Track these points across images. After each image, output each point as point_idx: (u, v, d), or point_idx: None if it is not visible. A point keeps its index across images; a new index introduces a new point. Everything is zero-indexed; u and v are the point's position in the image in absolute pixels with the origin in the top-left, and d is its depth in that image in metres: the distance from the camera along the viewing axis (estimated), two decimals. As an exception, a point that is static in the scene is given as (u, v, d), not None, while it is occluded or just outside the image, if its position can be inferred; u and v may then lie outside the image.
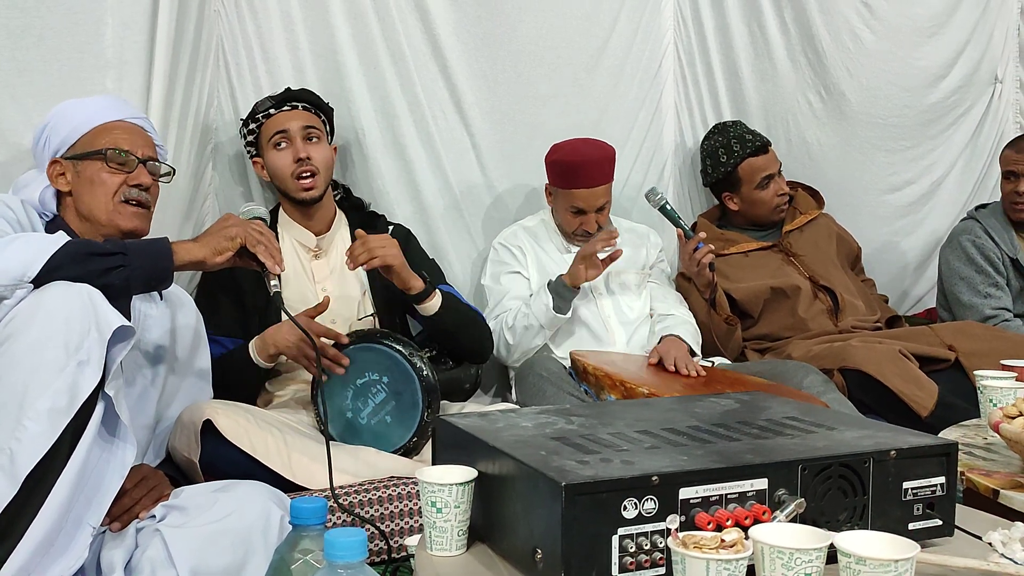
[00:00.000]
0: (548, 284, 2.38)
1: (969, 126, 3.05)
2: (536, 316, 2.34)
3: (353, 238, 2.24)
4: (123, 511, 1.45)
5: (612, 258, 2.34)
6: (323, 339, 1.87)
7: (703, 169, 2.88)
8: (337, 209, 2.30)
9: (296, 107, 2.20)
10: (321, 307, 1.89)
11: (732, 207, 2.82)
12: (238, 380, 1.95)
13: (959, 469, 1.25)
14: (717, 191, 2.86)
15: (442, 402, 1.98)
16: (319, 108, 2.26)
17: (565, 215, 2.50)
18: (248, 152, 2.28)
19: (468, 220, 2.66)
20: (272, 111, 2.18)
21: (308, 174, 2.14)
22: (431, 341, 2.14)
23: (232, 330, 2.04)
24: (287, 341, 1.88)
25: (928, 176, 3.03)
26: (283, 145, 2.16)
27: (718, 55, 2.94)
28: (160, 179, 1.79)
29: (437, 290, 2.04)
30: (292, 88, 2.26)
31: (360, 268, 2.18)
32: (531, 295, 2.46)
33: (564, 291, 2.35)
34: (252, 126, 2.22)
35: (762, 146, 2.77)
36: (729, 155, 2.77)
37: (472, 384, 2.21)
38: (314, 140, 2.18)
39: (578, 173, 2.41)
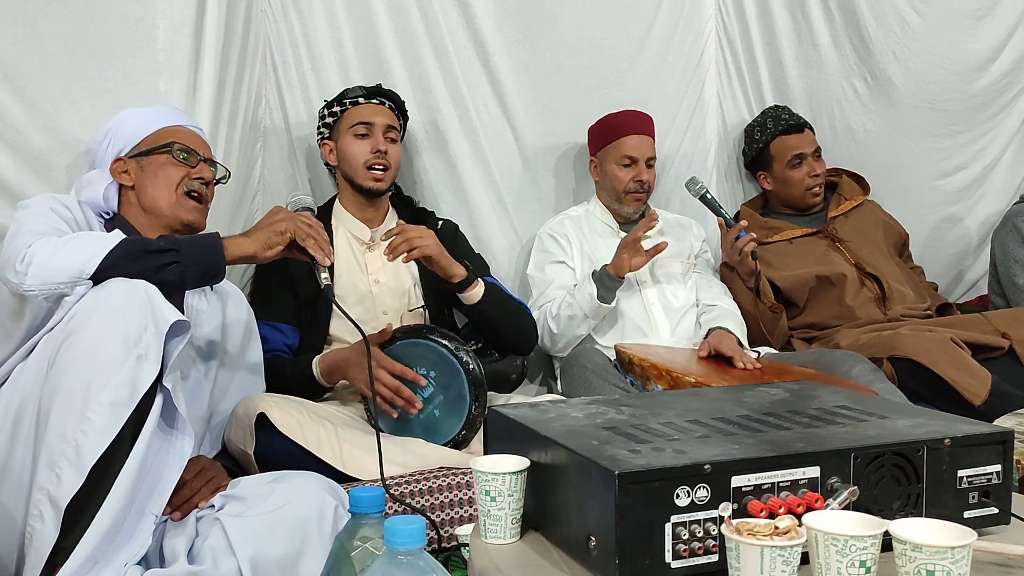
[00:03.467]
0: (593, 274, 2.38)
1: (1021, 109, 2.97)
2: (580, 306, 2.35)
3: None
4: (183, 501, 1.50)
5: (657, 249, 2.34)
6: (396, 379, 1.83)
7: (743, 150, 2.88)
8: (389, 205, 2.34)
9: (384, 104, 2.27)
10: (386, 333, 1.90)
11: (766, 187, 2.84)
12: (298, 390, 1.96)
13: (1015, 457, 1.24)
14: (753, 171, 2.88)
15: (489, 394, 2.00)
16: (401, 113, 2.34)
17: (616, 171, 2.53)
18: (320, 134, 2.31)
19: (512, 213, 2.68)
20: (361, 100, 2.24)
21: (382, 167, 2.21)
22: (476, 333, 2.16)
23: (287, 317, 2.08)
24: (349, 369, 1.89)
25: (980, 161, 2.97)
26: (365, 135, 2.21)
27: (761, 43, 2.92)
28: (217, 182, 1.86)
29: (479, 279, 2.05)
30: (382, 86, 2.32)
31: (412, 261, 2.22)
32: (575, 285, 2.47)
33: (608, 281, 2.35)
34: (336, 109, 2.26)
35: (796, 125, 2.77)
36: (763, 132, 2.80)
37: (518, 376, 2.22)
38: (392, 139, 2.25)
39: (623, 123, 2.55)
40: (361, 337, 1.65)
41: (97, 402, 1.32)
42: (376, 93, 2.27)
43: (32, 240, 1.46)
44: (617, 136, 2.53)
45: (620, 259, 2.34)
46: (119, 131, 1.81)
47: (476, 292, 2.04)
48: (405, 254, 1.93)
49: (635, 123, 2.56)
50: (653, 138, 2.59)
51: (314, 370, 1.96)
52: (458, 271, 2.01)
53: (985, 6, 2.88)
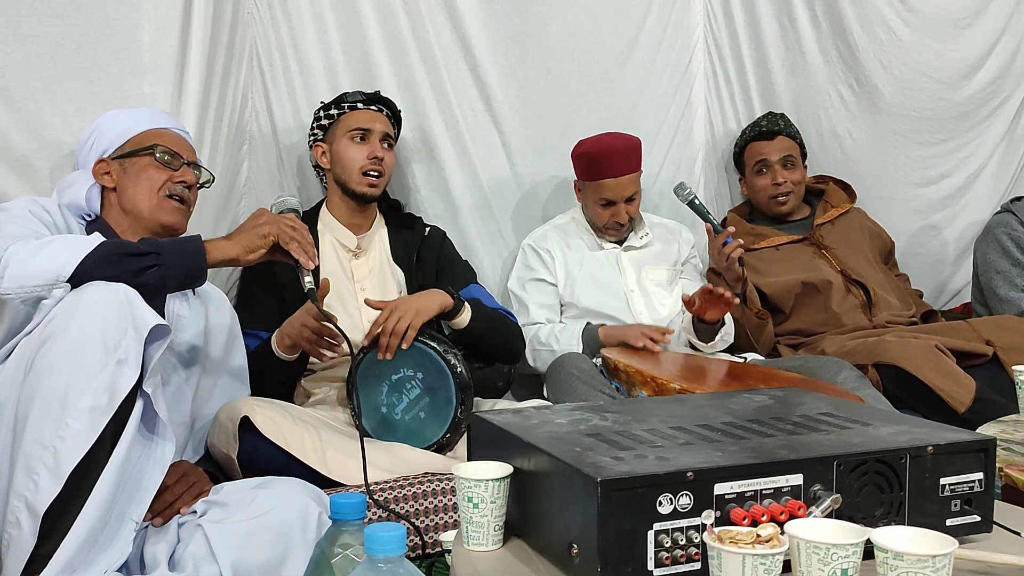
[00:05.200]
0: (584, 329, 2.37)
1: (1006, 118, 3.00)
2: (561, 351, 2.35)
3: (391, 239, 2.27)
4: (165, 506, 1.48)
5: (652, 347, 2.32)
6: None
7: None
8: (377, 211, 2.33)
9: (382, 111, 2.27)
10: (323, 290, 1.83)
11: (743, 192, 2.89)
12: (265, 373, 1.96)
13: (997, 465, 1.24)
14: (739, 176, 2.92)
15: (475, 399, 1.99)
16: (397, 121, 2.34)
17: (595, 208, 2.51)
18: (313, 136, 2.30)
19: (499, 218, 2.68)
20: (360, 106, 2.24)
21: (377, 173, 2.21)
22: (464, 348, 2.14)
23: (270, 325, 2.07)
24: (293, 326, 1.89)
25: (964, 169, 2.98)
26: (362, 140, 2.21)
27: (748, 49, 2.93)
28: (200, 186, 1.84)
29: (465, 304, 2.05)
30: (381, 93, 2.32)
31: (398, 269, 2.22)
32: (559, 303, 2.49)
33: (595, 345, 2.35)
34: (333, 112, 2.25)
35: (768, 132, 2.79)
36: (741, 138, 2.85)
37: (505, 382, 2.22)
38: (388, 147, 2.25)
39: (604, 163, 2.44)
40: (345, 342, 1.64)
41: (75, 407, 1.30)
42: (376, 100, 2.27)
43: (9, 243, 1.45)
44: (597, 177, 2.45)
45: (618, 336, 2.34)
46: (104, 132, 1.80)
47: (463, 319, 2.03)
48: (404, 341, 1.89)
49: (616, 164, 2.44)
50: (637, 169, 2.49)
51: (272, 345, 1.95)
52: (445, 301, 1.99)
53: (970, 15, 2.90)
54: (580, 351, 2.35)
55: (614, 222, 2.49)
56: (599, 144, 2.47)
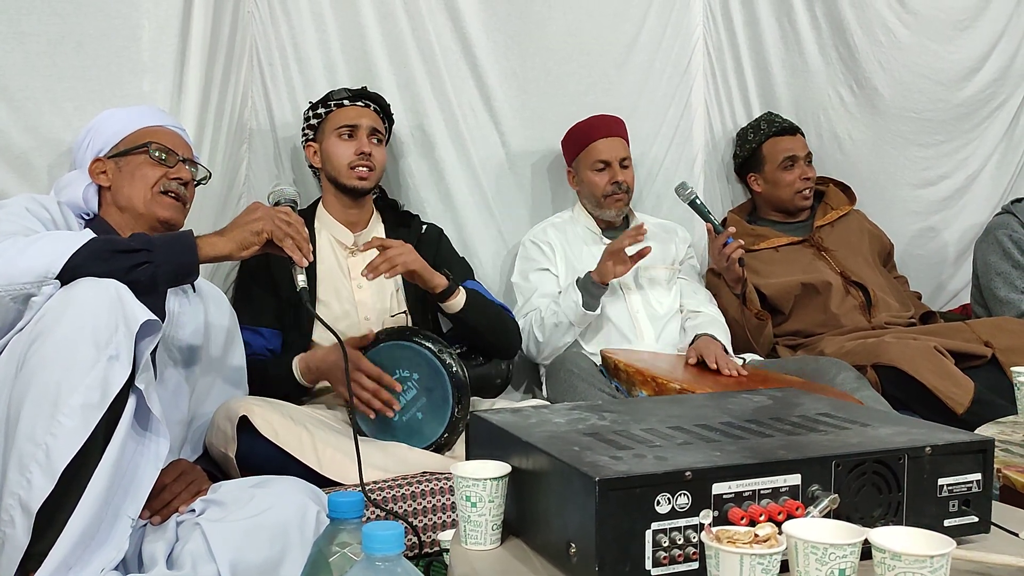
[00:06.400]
0: (577, 281, 2.38)
1: (1005, 119, 3.00)
2: (565, 313, 2.35)
3: (388, 236, 2.27)
4: (163, 505, 1.48)
5: (640, 255, 2.34)
6: (376, 381, 1.85)
7: (734, 153, 2.91)
8: (374, 208, 2.33)
9: (369, 106, 2.27)
10: (367, 338, 1.91)
11: (756, 189, 2.85)
12: (280, 392, 1.96)
13: (995, 466, 1.24)
14: (744, 174, 2.89)
15: (473, 398, 2.00)
16: (387, 116, 2.34)
17: (591, 177, 2.52)
18: (304, 135, 2.30)
19: (498, 218, 2.68)
20: (346, 103, 2.24)
21: (366, 167, 2.20)
22: (461, 337, 2.15)
23: (270, 321, 2.07)
24: (336, 378, 1.91)
25: (963, 171, 2.99)
26: (349, 136, 2.21)
27: (748, 50, 2.94)
28: (197, 183, 1.83)
29: (461, 287, 2.05)
30: (368, 88, 2.32)
31: None
32: (560, 292, 2.47)
33: (593, 288, 2.35)
34: (321, 111, 2.25)
35: (790, 128, 2.80)
36: (756, 134, 2.83)
37: (503, 380, 2.22)
38: (377, 142, 2.25)
39: (591, 128, 2.55)
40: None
41: (67, 404, 1.29)
42: (361, 95, 2.27)
43: (1, 240, 1.44)
44: (587, 142, 2.53)
45: (604, 266, 2.34)
46: (99, 131, 1.79)
47: (458, 301, 2.04)
48: (387, 272, 1.92)
49: (603, 127, 2.55)
50: (625, 139, 2.58)
51: (294, 370, 1.95)
52: (439, 282, 2.01)
53: (969, 17, 2.91)
54: (580, 301, 2.33)
55: (613, 184, 2.50)
56: (582, 121, 2.58)
